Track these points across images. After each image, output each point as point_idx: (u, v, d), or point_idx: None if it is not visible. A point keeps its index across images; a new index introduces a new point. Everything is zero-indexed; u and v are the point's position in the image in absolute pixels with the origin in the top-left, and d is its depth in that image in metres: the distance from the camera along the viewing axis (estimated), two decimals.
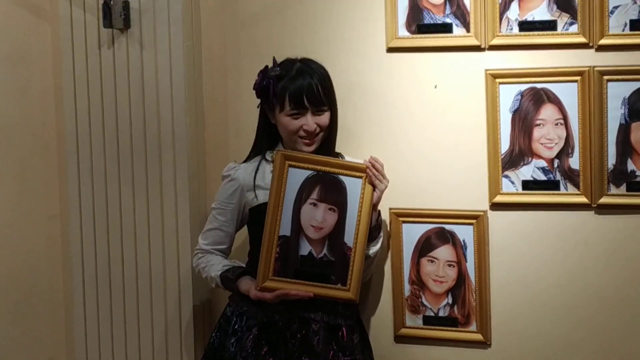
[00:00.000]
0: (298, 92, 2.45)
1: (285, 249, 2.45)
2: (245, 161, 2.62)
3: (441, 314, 2.72)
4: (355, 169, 2.48)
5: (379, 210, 2.57)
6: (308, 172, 2.47)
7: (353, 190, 2.47)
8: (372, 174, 2.47)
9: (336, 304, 2.50)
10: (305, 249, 2.46)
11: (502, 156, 2.62)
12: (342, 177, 2.47)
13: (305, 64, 2.52)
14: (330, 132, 2.54)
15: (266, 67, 2.51)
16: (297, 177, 2.46)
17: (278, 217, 2.45)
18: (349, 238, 2.46)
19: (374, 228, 2.53)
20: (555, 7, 2.55)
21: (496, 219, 2.66)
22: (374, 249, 2.56)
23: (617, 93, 2.51)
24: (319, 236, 2.47)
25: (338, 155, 2.60)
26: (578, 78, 2.53)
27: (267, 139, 2.57)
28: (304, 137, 2.49)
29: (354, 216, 2.47)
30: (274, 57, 2.52)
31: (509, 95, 2.59)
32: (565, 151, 2.58)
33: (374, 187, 2.47)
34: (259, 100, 2.54)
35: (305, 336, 2.49)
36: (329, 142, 2.55)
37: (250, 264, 2.58)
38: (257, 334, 2.50)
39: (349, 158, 2.59)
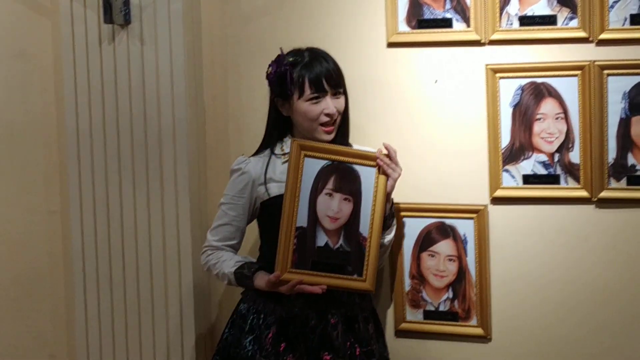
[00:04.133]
0: (317, 75, 2.44)
1: (303, 240, 2.42)
2: (254, 155, 2.58)
3: (442, 308, 2.72)
4: (369, 158, 2.46)
5: (392, 199, 2.54)
6: (323, 162, 2.44)
7: (367, 180, 2.45)
8: (382, 164, 2.45)
9: (353, 295, 2.49)
10: (321, 239, 2.44)
11: (503, 150, 2.63)
12: (357, 167, 2.45)
13: (314, 51, 2.51)
14: (344, 119, 2.52)
15: (279, 55, 2.49)
16: (312, 167, 2.43)
17: (295, 208, 2.41)
18: (364, 228, 2.44)
19: (388, 217, 2.51)
20: (555, 2, 2.55)
21: (497, 213, 2.66)
22: (389, 237, 2.55)
23: (618, 87, 2.51)
24: (335, 227, 2.44)
25: (349, 145, 2.57)
26: (578, 72, 2.53)
27: (278, 131, 2.55)
28: (325, 124, 2.46)
29: (369, 206, 2.44)
30: (280, 48, 2.50)
31: (509, 89, 2.60)
32: (565, 145, 2.59)
33: (387, 176, 2.46)
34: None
35: (324, 330, 2.47)
36: (343, 130, 2.53)
37: (262, 258, 2.57)
38: (276, 331, 2.47)
39: (356, 146, 2.57)
